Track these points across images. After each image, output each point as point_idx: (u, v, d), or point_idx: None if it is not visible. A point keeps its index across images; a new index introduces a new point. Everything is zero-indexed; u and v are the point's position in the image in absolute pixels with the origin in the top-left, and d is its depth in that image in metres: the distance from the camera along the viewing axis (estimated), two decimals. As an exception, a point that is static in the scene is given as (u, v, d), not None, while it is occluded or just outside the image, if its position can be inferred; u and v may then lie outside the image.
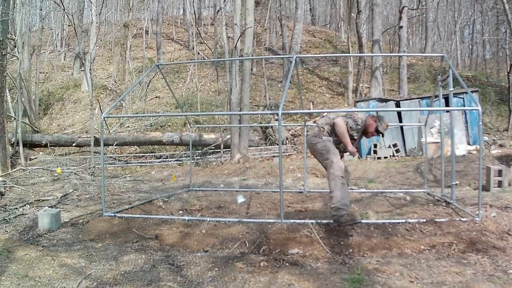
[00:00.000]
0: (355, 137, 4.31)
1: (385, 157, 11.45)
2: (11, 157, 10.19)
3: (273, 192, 6.55)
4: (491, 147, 11.87)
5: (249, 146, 12.28)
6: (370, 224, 4.17)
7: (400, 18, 16.06)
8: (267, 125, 14.34)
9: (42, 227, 4.53)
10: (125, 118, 16.34)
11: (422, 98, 12.42)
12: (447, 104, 9.53)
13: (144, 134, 14.51)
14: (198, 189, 7.11)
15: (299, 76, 17.59)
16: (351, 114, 4.36)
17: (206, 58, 22.15)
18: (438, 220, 4.19)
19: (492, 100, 15.82)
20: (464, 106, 11.80)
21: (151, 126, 16.06)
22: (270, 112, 9.63)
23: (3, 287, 2.95)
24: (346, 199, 3.90)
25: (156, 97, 19.87)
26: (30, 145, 13.55)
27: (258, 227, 4.23)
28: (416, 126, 11.41)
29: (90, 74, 13.97)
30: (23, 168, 9.11)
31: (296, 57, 5.71)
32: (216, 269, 3.28)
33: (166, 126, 16.27)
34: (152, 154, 14.26)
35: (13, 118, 12.52)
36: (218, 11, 21.72)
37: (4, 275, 3.14)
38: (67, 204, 5.93)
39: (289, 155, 12.87)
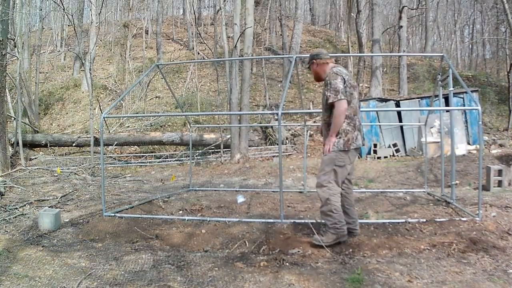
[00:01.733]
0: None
1: (385, 157, 11.45)
2: (11, 157, 10.19)
3: (273, 192, 6.55)
4: (491, 146, 11.88)
5: (249, 146, 12.28)
6: (370, 224, 4.17)
7: (400, 17, 16.06)
8: (267, 125, 14.34)
9: (42, 227, 4.53)
10: (125, 118, 16.33)
11: (422, 98, 12.43)
12: (447, 104, 9.53)
13: (144, 134, 14.51)
14: (198, 189, 7.11)
15: (299, 76, 17.58)
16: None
17: (206, 58, 22.14)
18: (438, 220, 4.19)
19: (492, 100, 15.82)
20: (464, 105, 11.80)
21: (151, 126, 16.06)
22: (270, 112, 9.64)
23: (3, 287, 2.95)
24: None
25: (156, 97, 19.87)
26: (30, 145, 13.55)
27: (258, 227, 4.23)
28: (416, 126, 11.41)
29: (90, 74, 13.97)
30: (23, 168, 9.11)
31: (296, 57, 5.72)
32: (216, 269, 3.28)
33: (166, 126, 16.28)
34: (152, 154, 14.27)
35: (13, 118, 12.52)
36: (218, 11, 21.73)
37: (4, 275, 3.14)
38: (67, 204, 5.93)
39: (289, 155, 12.87)
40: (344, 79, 3.48)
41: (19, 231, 4.55)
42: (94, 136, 12.11)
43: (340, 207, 3.53)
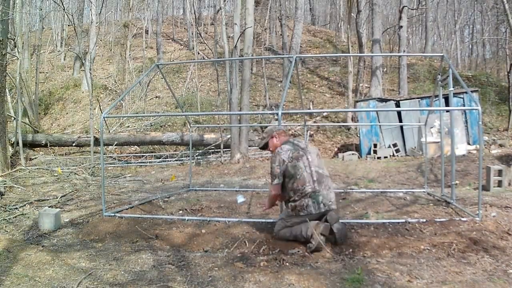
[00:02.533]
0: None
1: (385, 157, 11.45)
2: (11, 157, 10.18)
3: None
4: (491, 147, 11.88)
5: (249, 146, 12.28)
6: (370, 224, 4.17)
7: (400, 17, 16.06)
8: (267, 125, 14.34)
9: (42, 227, 4.53)
10: (125, 118, 16.34)
11: (422, 98, 12.43)
12: (447, 104, 9.53)
13: (144, 134, 14.51)
14: (198, 189, 7.11)
15: (299, 76, 17.58)
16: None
17: (206, 58, 22.15)
18: (438, 220, 4.19)
19: (492, 100, 15.83)
20: (464, 106, 11.80)
21: (151, 126, 16.07)
22: (270, 112, 9.65)
23: (3, 287, 2.95)
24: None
25: (156, 97, 19.88)
26: (30, 145, 13.56)
27: (258, 227, 4.23)
28: (416, 126, 11.41)
29: (90, 74, 13.97)
30: (23, 168, 9.11)
31: (296, 57, 5.72)
32: (216, 269, 3.28)
33: (166, 126, 16.28)
34: (152, 154, 14.27)
35: (13, 118, 12.51)
36: (218, 11, 21.73)
37: (4, 275, 3.14)
38: (67, 204, 5.93)
39: (289, 155, 12.86)
40: (282, 160, 3.66)
41: (19, 231, 4.55)
42: (94, 136, 12.11)
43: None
